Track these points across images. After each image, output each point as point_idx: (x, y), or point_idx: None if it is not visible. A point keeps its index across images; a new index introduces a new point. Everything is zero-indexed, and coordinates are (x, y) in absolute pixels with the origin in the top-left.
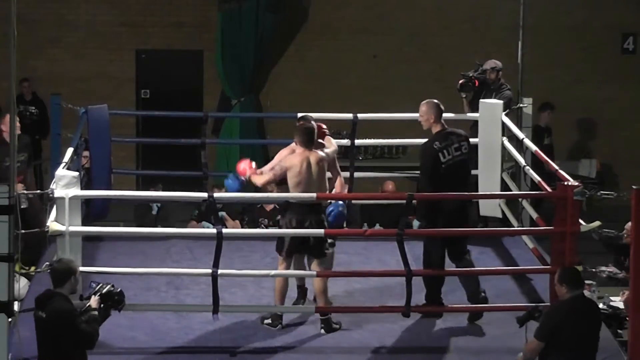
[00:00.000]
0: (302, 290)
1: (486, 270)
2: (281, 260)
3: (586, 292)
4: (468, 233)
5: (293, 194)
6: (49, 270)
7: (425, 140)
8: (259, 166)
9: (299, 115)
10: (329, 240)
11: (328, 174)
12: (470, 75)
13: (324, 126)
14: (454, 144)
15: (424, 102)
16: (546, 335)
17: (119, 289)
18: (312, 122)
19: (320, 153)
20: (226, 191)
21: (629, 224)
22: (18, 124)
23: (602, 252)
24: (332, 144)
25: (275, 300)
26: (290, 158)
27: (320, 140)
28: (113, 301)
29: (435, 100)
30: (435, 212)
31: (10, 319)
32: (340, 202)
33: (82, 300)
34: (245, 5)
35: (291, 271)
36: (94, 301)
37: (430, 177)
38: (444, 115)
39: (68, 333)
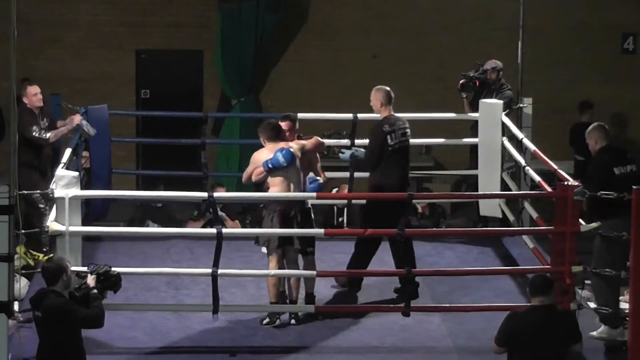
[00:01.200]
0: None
1: (486, 270)
2: (273, 255)
3: (586, 292)
4: (469, 233)
5: (295, 194)
6: (40, 271)
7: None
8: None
9: (283, 115)
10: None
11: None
12: (471, 75)
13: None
14: (400, 129)
15: (375, 88)
16: (503, 340)
17: (116, 272)
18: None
19: (291, 144)
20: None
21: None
22: (40, 96)
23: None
24: (313, 141)
25: (270, 296)
26: (258, 154)
27: (304, 142)
28: (110, 282)
29: (386, 88)
30: (381, 191)
31: (16, 322)
32: (319, 179)
33: (79, 277)
34: (245, 5)
35: (291, 271)
36: (90, 279)
37: (378, 157)
38: (444, 115)
39: (68, 324)
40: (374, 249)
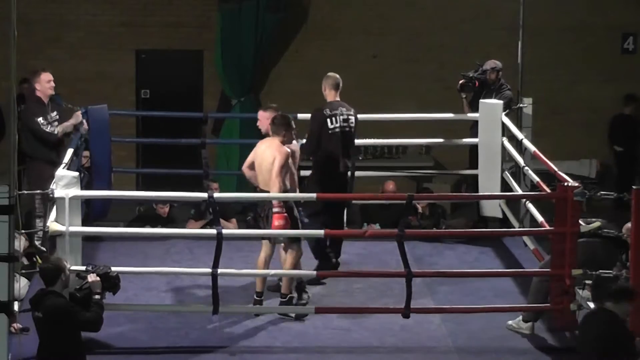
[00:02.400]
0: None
1: (486, 273)
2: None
3: (586, 293)
4: (469, 234)
5: (296, 194)
6: (38, 271)
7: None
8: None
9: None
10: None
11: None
12: (471, 75)
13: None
14: (342, 115)
15: (326, 75)
16: None
17: (115, 273)
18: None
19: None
20: None
21: (628, 225)
22: (52, 84)
23: None
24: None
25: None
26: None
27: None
28: (109, 283)
29: (336, 75)
30: (327, 177)
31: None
32: None
33: (79, 277)
34: (245, 5)
35: (290, 271)
36: (92, 277)
37: (318, 140)
38: (444, 115)
39: (68, 325)
40: (328, 220)
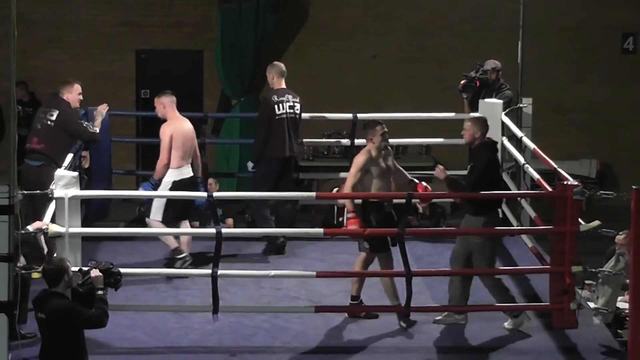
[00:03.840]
0: None
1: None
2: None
3: (586, 292)
4: (468, 233)
5: (296, 194)
6: (40, 272)
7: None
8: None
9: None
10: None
11: None
12: (473, 75)
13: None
14: (288, 102)
15: (271, 64)
16: None
17: (117, 269)
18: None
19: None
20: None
21: (621, 236)
22: (81, 97)
23: (602, 252)
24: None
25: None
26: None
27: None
28: (112, 279)
29: (281, 64)
30: (275, 161)
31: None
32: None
33: (81, 273)
34: (245, 5)
35: (290, 271)
36: (94, 272)
37: (266, 126)
38: (444, 115)
39: (72, 326)
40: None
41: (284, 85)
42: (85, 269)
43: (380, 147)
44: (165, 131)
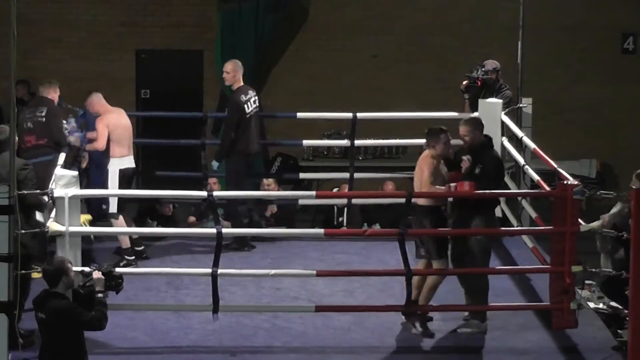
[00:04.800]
0: None
1: (486, 270)
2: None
3: (586, 292)
4: (469, 233)
5: (295, 192)
6: (41, 272)
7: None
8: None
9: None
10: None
11: None
12: (476, 76)
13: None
14: (252, 98)
15: (230, 61)
16: None
17: (119, 273)
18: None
19: None
20: None
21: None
22: (57, 95)
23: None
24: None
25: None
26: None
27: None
28: (113, 282)
29: (237, 60)
30: (241, 154)
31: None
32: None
33: (83, 274)
34: (245, 5)
35: (289, 271)
36: (95, 274)
37: (237, 125)
38: (445, 114)
39: (71, 326)
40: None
41: (242, 82)
42: (87, 270)
43: (440, 155)
44: (100, 126)
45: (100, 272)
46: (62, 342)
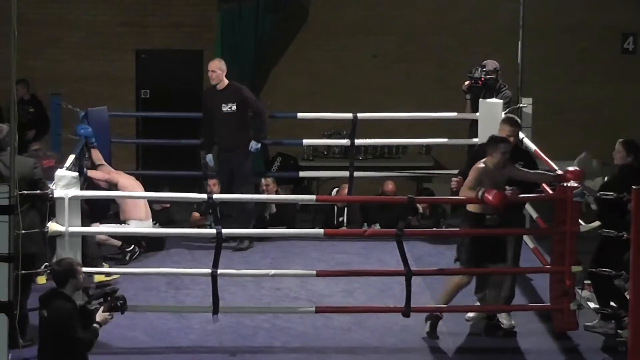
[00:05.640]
0: None
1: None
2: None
3: (586, 293)
4: (469, 233)
5: (295, 196)
6: (49, 271)
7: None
8: (258, 167)
9: None
10: None
11: None
12: (478, 76)
13: None
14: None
15: (217, 59)
16: None
17: (122, 294)
18: None
19: None
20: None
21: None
22: None
23: None
24: None
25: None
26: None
27: None
28: (118, 304)
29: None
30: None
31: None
32: None
33: (87, 304)
34: (245, 5)
35: (289, 271)
36: (100, 315)
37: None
38: (446, 114)
39: (65, 334)
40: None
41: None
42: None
43: (496, 165)
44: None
45: (104, 296)
46: (61, 342)
